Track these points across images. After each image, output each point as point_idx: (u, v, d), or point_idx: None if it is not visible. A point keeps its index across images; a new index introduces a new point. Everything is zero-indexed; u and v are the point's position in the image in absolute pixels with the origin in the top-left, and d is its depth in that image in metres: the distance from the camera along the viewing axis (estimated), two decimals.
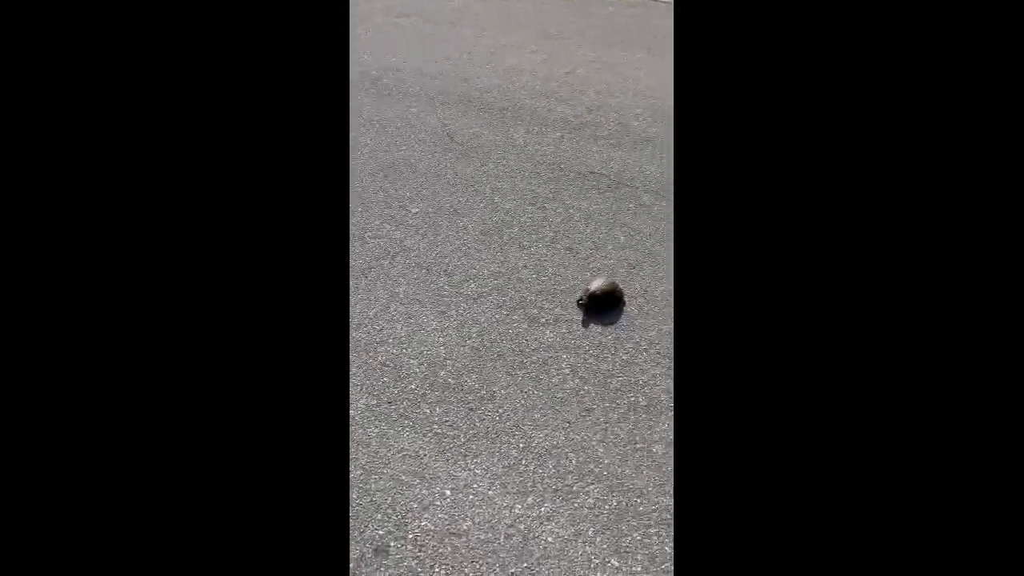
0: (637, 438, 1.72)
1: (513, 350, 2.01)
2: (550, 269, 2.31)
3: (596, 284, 2.13)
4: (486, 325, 2.11)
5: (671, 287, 2.16)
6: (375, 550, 1.47)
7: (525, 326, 2.09)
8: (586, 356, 1.97)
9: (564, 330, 2.07)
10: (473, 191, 2.73)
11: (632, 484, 1.61)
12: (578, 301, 2.14)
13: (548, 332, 2.07)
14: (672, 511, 1.53)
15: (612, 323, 2.08)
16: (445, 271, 2.32)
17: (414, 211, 2.64)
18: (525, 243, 2.43)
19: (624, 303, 2.13)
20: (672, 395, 1.82)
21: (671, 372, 1.88)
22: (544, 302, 2.17)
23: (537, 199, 2.65)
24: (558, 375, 1.92)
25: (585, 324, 2.08)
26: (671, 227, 2.41)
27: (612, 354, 1.97)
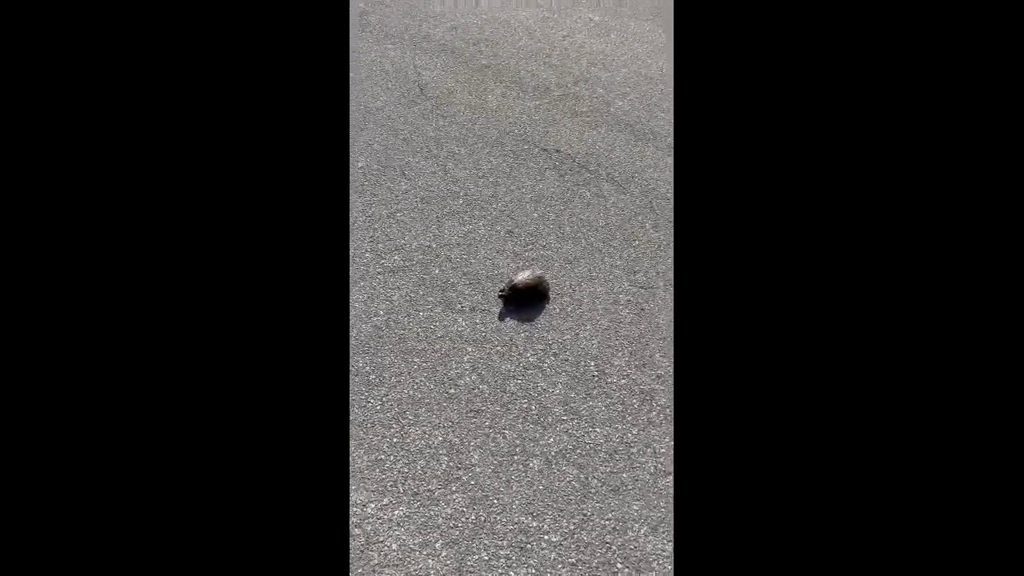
0: (517, 450, 1.64)
1: (417, 335, 1.92)
2: (482, 252, 2.19)
3: (522, 276, 2.01)
4: (397, 303, 2.01)
5: (602, 290, 2.04)
6: None
7: (439, 310, 1.99)
8: (491, 352, 1.87)
9: (477, 320, 1.97)
10: (427, 153, 2.58)
11: (498, 499, 1.54)
12: (500, 291, 2.03)
13: (460, 320, 1.97)
14: (529, 531, 1.47)
15: (529, 320, 1.97)
16: (371, 237, 2.21)
17: (359, 166, 2.51)
18: (465, 219, 2.30)
19: (548, 300, 2.02)
20: (565, 407, 1.73)
21: (573, 383, 1.78)
22: (466, 287, 2.06)
23: (492, 172, 2.51)
24: (456, 368, 1.83)
25: (501, 317, 1.97)
26: (622, 223, 2.28)
27: (519, 354, 1.88)
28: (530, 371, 1.83)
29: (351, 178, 2.40)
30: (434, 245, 2.19)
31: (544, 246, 2.21)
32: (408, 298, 2.02)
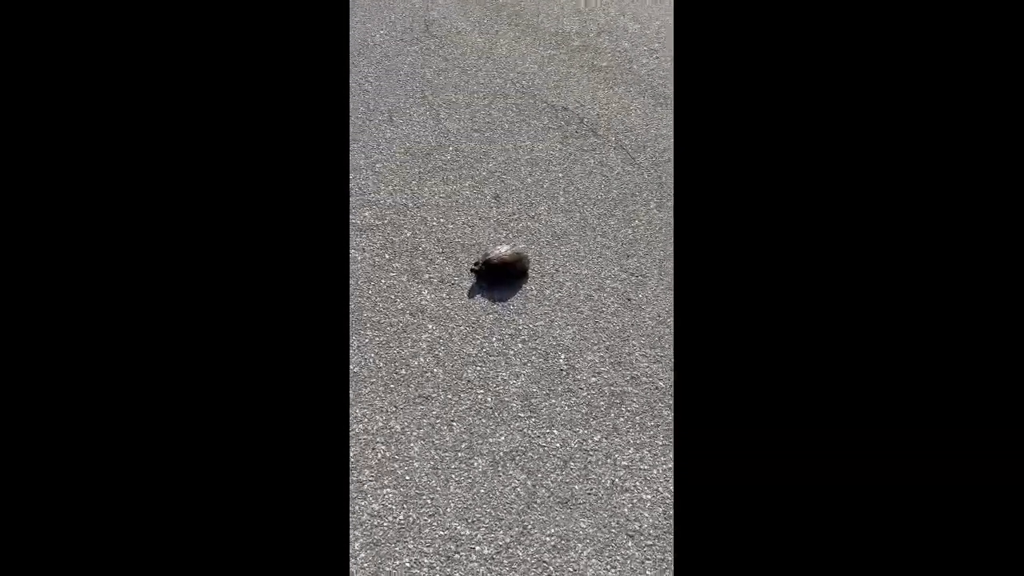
0: (463, 446, 1.50)
1: (375, 305, 1.76)
2: (463, 217, 1.99)
3: (499, 251, 1.81)
4: (358, 266, 1.84)
5: (588, 273, 1.84)
6: None
7: (404, 279, 1.82)
8: (453, 332, 1.70)
9: (444, 295, 1.79)
10: (420, 99, 2.35)
11: (432, 499, 1.40)
12: (473, 265, 1.85)
13: (425, 293, 1.80)
14: (460, 540, 1.34)
15: (501, 300, 1.79)
16: None
17: None
18: (450, 177, 2.10)
19: (525, 280, 1.84)
20: (524, 402, 1.57)
21: (538, 377, 1.61)
22: (438, 255, 1.88)
23: (488, 127, 2.28)
24: (412, 347, 1.67)
25: (471, 294, 1.79)
26: (623, 198, 2.05)
27: (483, 337, 1.71)
28: (492, 358, 1.66)
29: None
30: (410, 204, 2.00)
31: (533, 216, 2.00)
32: (372, 261, 1.85)
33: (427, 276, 1.81)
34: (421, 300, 1.76)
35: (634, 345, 1.69)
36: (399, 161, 2.11)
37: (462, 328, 1.71)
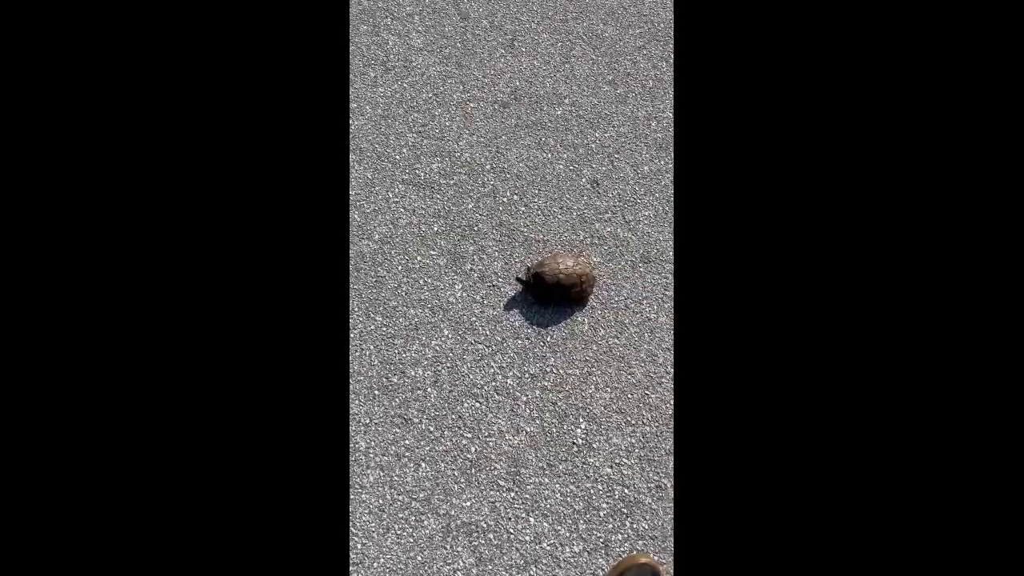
0: (420, 495, 1.26)
1: (399, 286, 1.50)
2: (540, 201, 1.61)
3: (560, 263, 1.44)
4: (400, 230, 1.56)
5: (663, 323, 1.42)
6: None
7: (441, 262, 1.53)
8: (467, 350, 1.41)
9: (478, 297, 1.49)
10: (527, 8, 1.88)
11: (352, 544, 1.22)
12: (520, 273, 1.50)
13: (458, 287, 1.50)
14: None
15: (540, 325, 1.45)
16: (411, 122, 1.70)
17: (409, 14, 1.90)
18: (547, 142, 1.69)
19: (581, 308, 1.47)
20: (511, 470, 1.27)
21: (538, 446, 1.29)
22: (494, 242, 1.55)
23: (611, 71, 1.79)
24: (415, 353, 1.42)
25: (508, 307, 1.47)
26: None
27: (499, 368, 1.41)
28: (498, 398, 1.38)
29: (409, 34, 1.83)
30: (476, 165, 1.65)
31: (630, 224, 1.57)
32: (417, 229, 1.57)
33: (469, 266, 1.52)
34: (450, 295, 1.48)
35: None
36: (495, 105, 1.74)
37: (479, 347, 1.43)
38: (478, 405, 1.35)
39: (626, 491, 1.27)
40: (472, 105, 1.71)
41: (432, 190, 1.59)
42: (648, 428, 1.33)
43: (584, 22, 1.85)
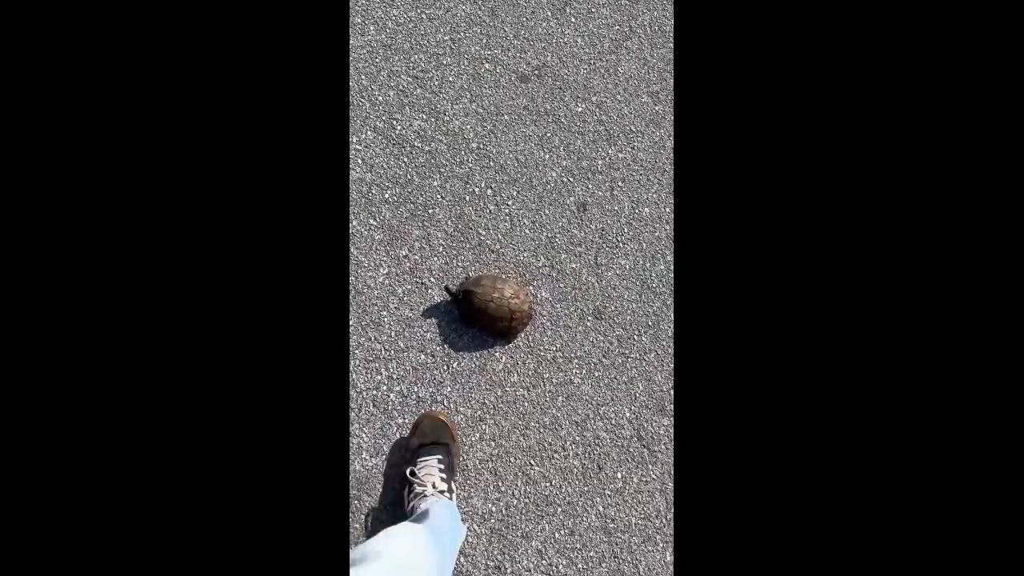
0: None
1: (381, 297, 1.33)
2: (514, 205, 1.39)
3: (498, 290, 1.25)
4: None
5: (592, 397, 1.26)
6: None
7: (376, 236, 1.34)
8: (359, 344, 1.26)
9: (399, 290, 1.31)
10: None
11: None
12: (449, 286, 1.32)
13: (381, 272, 1.33)
14: None
15: (453, 347, 1.29)
16: (408, 64, 1.47)
17: None
18: (542, 130, 1.45)
19: (506, 342, 1.30)
20: (371, 509, 1.18)
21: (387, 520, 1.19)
22: (440, 233, 1.36)
23: (659, 82, 1.51)
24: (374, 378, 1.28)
25: (426, 314, 1.31)
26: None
27: (385, 378, 1.26)
28: (371, 411, 1.24)
29: None
30: (477, 144, 1.43)
31: (622, 272, 1.37)
32: (364, 188, 1.38)
33: (404, 252, 1.33)
34: (369, 277, 1.31)
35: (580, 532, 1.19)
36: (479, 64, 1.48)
37: (376, 346, 1.27)
38: (362, 410, 1.23)
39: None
40: (487, 66, 1.47)
41: (402, 150, 1.39)
42: (512, 501, 1.21)
43: (651, 11, 1.55)
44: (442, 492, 1.11)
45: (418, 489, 1.10)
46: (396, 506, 1.17)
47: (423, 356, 1.26)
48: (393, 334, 1.27)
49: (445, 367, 1.26)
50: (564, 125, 1.43)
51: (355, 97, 1.41)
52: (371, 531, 1.16)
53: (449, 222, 1.34)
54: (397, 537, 0.88)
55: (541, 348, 1.29)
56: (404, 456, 1.19)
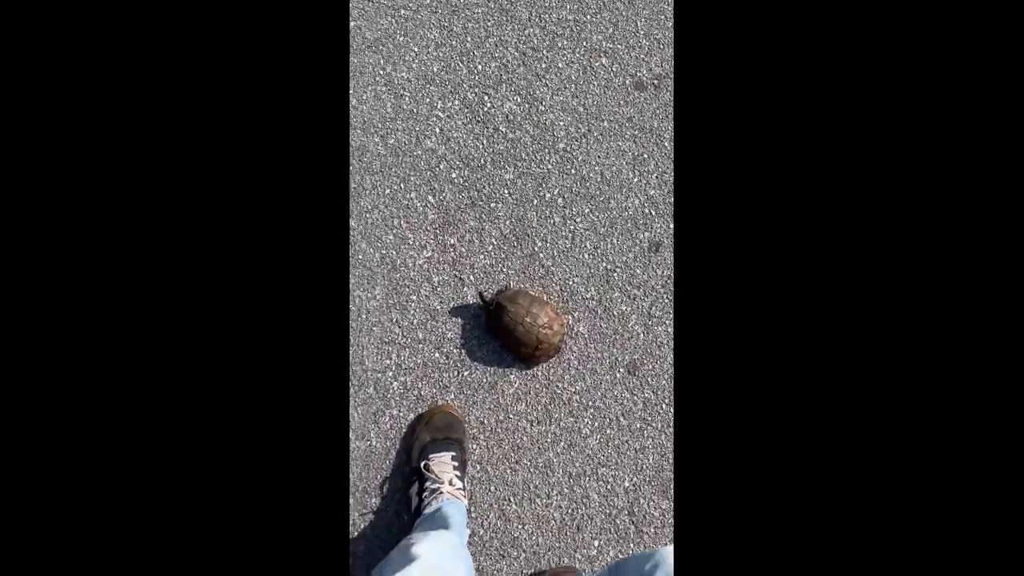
0: None
1: (367, 200, 1.26)
2: (580, 224, 1.26)
3: (532, 315, 1.15)
4: (402, 142, 1.28)
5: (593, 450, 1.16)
6: None
7: (428, 215, 1.25)
8: (376, 322, 1.20)
9: (436, 278, 1.24)
10: None
11: None
12: (484, 293, 1.22)
13: (426, 251, 1.25)
14: None
15: (468, 353, 1.21)
16: (440, 20, 1.32)
17: None
18: (647, 126, 1.29)
19: (525, 367, 1.20)
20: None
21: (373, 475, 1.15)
22: (495, 230, 1.25)
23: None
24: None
25: (454, 311, 1.22)
26: None
27: (391, 363, 1.21)
28: (368, 392, 1.19)
29: None
30: (552, 137, 1.29)
31: (668, 329, 1.24)
32: (433, 161, 1.28)
33: (460, 235, 1.25)
34: (410, 256, 1.24)
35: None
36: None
37: (393, 329, 1.21)
38: (353, 398, 1.19)
39: None
40: (603, 61, 1.30)
41: (484, 130, 1.26)
42: (478, 531, 1.15)
43: None
44: (459, 490, 1.08)
45: (432, 485, 1.07)
46: (393, 494, 1.15)
47: (438, 354, 1.20)
48: (415, 322, 1.21)
49: (456, 372, 1.20)
50: (666, 151, 1.27)
51: (454, 61, 1.29)
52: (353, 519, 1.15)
53: (508, 222, 1.24)
54: (436, 543, 0.88)
55: (560, 386, 1.20)
56: (408, 448, 1.15)
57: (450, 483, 1.07)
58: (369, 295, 1.20)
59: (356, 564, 1.13)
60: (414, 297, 1.21)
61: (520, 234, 1.23)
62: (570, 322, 1.21)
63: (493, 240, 1.23)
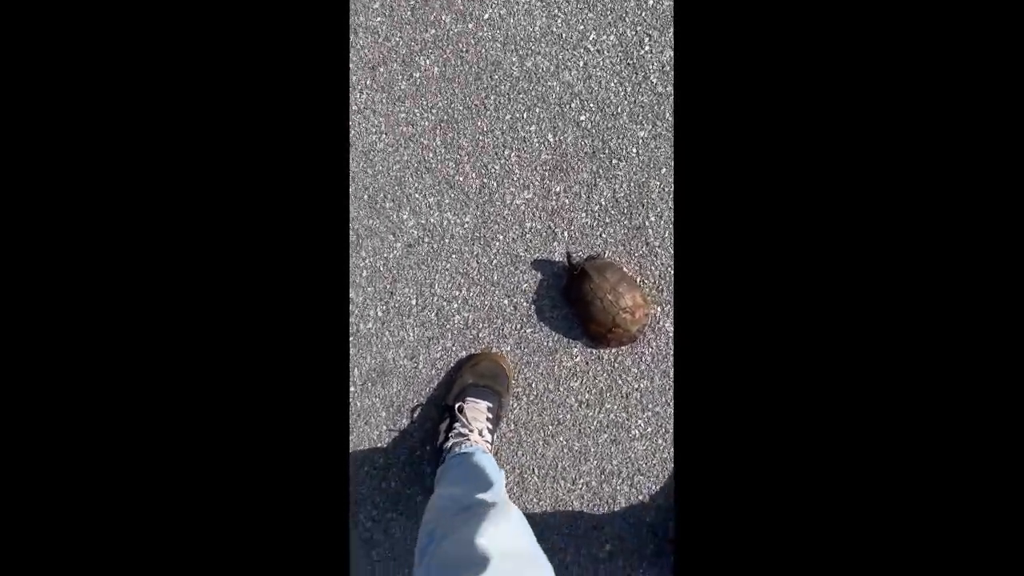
0: None
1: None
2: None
3: (617, 293, 1.03)
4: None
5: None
6: None
7: (511, 156, 1.13)
8: (449, 264, 1.14)
9: (524, 243, 1.13)
10: None
11: None
12: (573, 254, 1.10)
13: (511, 199, 1.14)
14: None
15: (537, 312, 1.12)
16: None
17: None
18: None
19: (594, 346, 1.09)
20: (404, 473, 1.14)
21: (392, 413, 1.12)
22: (615, 211, 1.11)
23: None
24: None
25: (537, 264, 1.12)
26: None
27: (457, 300, 1.14)
28: (422, 324, 1.15)
29: None
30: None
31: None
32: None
33: (563, 187, 1.13)
34: (495, 196, 1.14)
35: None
36: None
37: (470, 266, 1.14)
38: (414, 317, 1.16)
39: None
40: None
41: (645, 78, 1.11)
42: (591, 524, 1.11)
43: None
44: (487, 443, 1.05)
45: (461, 429, 1.05)
46: (424, 422, 1.14)
47: (506, 301, 1.13)
48: (494, 263, 1.14)
49: (519, 326, 1.13)
50: None
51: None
52: (367, 459, 1.16)
53: (625, 185, 1.10)
54: (508, 533, 0.80)
55: (623, 377, 1.09)
56: (449, 382, 1.13)
57: (480, 433, 1.03)
58: (459, 220, 1.14)
59: (374, 475, 1.15)
60: (500, 236, 1.14)
61: (634, 201, 1.10)
62: (656, 314, 1.08)
63: (602, 200, 1.11)
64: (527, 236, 1.13)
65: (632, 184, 1.09)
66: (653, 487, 1.07)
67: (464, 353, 1.13)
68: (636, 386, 1.09)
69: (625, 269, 1.07)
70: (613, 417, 1.09)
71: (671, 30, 1.09)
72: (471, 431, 1.03)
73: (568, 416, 1.10)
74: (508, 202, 1.13)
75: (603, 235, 1.10)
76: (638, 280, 1.07)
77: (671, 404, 1.07)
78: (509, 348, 1.12)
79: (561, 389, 1.11)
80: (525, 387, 1.11)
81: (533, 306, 1.12)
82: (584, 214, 1.11)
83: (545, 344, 1.11)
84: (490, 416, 1.06)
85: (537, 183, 1.13)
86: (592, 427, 1.09)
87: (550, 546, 1.09)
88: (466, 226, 1.14)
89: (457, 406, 1.05)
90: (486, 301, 1.13)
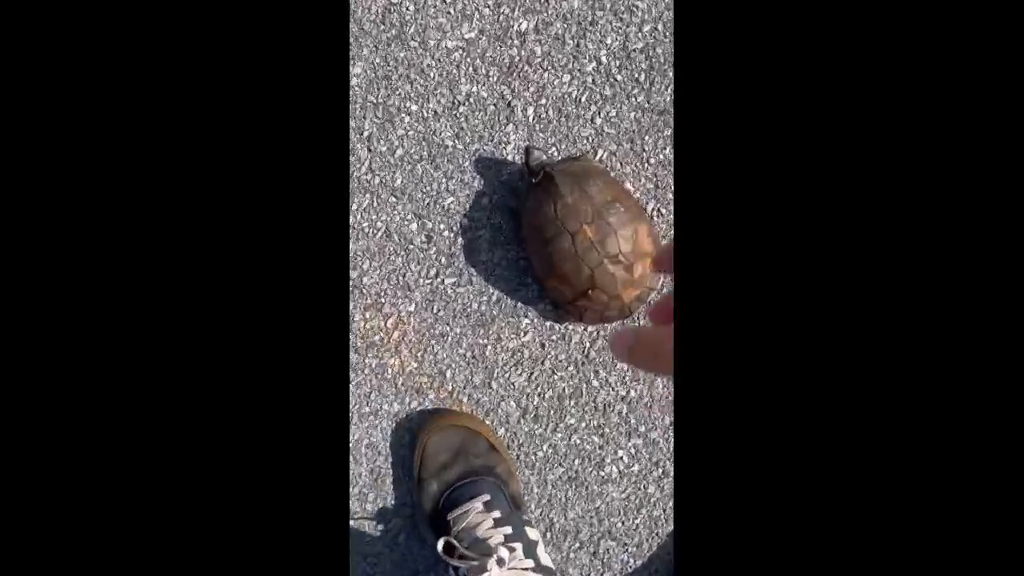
0: None
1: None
2: None
3: (608, 232, 0.56)
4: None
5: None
6: None
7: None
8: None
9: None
10: None
11: None
12: (533, 148, 0.61)
13: (451, 38, 0.65)
14: None
15: (481, 270, 0.66)
16: None
17: None
18: None
19: (573, 314, 0.65)
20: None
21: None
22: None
23: None
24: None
25: (483, 166, 0.65)
26: None
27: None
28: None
29: None
30: None
31: None
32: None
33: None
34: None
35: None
36: None
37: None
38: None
39: None
40: None
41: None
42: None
43: None
44: (511, 551, 0.61)
45: (474, 563, 0.61)
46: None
47: (414, 226, 0.66)
48: (399, 153, 0.66)
49: (434, 274, 0.66)
50: None
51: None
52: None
53: (639, 36, 0.62)
54: None
55: (598, 375, 0.64)
56: (420, 501, 0.66)
57: (498, 562, 0.60)
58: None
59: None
60: (413, 106, 0.65)
61: (655, 61, 0.61)
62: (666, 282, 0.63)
63: (602, 56, 0.62)
64: (460, 108, 0.64)
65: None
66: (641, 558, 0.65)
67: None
68: (620, 393, 0.64)
69: (626, 187, 0.61)
70: (577, 442, 0.65)
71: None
72: (487, 555, 0.60)
73: (504, 432, 0.66)
74: (437, 47, 0.64)
75: (598, 124, 0.62)
76: (648, 210, 0.61)
77: (670, 431, 0.63)
78: (415, 312, 0.65)
79: (495, 386, 0.66)
80: (436, 376, 0.66)
81: (460, 239, 0.65)
82: (567, 79, 0.62)
83: (473, 308, 0.65)
84: (497, 515, 0.62)
85: (490, 13, 0.63)
86: (543, 456, 0.65)
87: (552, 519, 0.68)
88: (357, 75, 0.64)
89: (444, 544, 0.60)
90: (379, 221, 0.65)
